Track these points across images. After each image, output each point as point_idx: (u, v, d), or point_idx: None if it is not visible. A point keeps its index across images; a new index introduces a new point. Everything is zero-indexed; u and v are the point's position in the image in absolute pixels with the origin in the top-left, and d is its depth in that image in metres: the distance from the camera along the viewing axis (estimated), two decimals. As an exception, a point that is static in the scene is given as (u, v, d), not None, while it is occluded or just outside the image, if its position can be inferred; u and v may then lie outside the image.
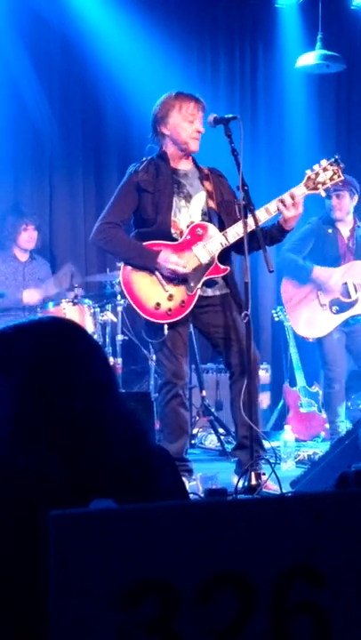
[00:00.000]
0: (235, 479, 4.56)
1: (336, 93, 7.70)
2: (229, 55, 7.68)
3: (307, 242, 6.23)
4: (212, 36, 7.61)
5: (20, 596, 1.47)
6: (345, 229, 6.29)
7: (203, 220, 4.69)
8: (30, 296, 6.23)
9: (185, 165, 4.76)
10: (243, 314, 4.41)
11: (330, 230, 6.26)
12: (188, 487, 4.43)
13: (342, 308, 6.19)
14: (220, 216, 4.70)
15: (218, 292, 4.71)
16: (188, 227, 4.66)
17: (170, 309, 4.60)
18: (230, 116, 4.53)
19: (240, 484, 4.32)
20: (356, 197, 6.21)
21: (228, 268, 4.64)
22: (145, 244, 4.63)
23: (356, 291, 6.19)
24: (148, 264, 4.59)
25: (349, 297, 6.18)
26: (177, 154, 4.72)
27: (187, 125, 4.65)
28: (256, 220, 4.44)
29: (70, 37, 7.05)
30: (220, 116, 4.57)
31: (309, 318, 6.29)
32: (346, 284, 6.19)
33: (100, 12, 7.05)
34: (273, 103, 7.67)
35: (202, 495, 4.21)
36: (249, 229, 4.42)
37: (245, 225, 4.42)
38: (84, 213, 7.28)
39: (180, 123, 4.65)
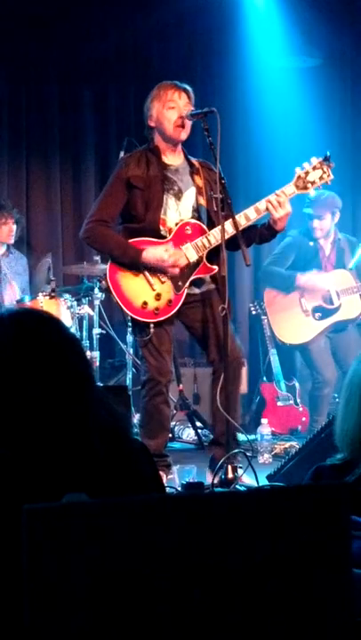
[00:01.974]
0: (209, 476, 4.56)
1: (315, 88, 7.70)
2: (207, 50, 7.66)
3: (288, 255, 6.26)
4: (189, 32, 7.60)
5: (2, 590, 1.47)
6: (326, 242, 6.33)
7: (193, 216, 4.66)
8: (9, 297, 6.24)
9: (176, 160, 4.70)
10: (220, 307, 4.41)
11: (311, 243, 6.29)
12: (165, 481, 4.44)
13: (325, 314, 6.23)
14: (210, 213, 4.66)
15: (205, 289, 4.70)
16: (177, 225, 4.61)
17: (157, 308, 4.58)
18: (207, 109, 4.50)
19: (216, 479, 4.32)
20: (337, 215, 6.26)
21: (217, 267, 4.57)
22: (132, 240, 4.59)
23: (338, 297, 6.21)
24: (134, 262, 4.55)
25: (332, 304, 6.21)
26: (166, 146, 4.66)
27: (169, 113, 4.57)
28: (233, 215, 4.44)
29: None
30: (196, 110, 4.55)
31: (292, 325, 6.32)
32: (329, 290, 6.23)
33: None
34: (250, 98, 7.65)
35: (179, 489, 4.21)
36: (230, 227, 4.42)
37: (223, 219, 4.40)
38: (61, 206, 7.25)
39: (162, 111, 4.58)
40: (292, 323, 6.32)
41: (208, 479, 4.53)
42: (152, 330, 4.57)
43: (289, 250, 6.25)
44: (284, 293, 6.33)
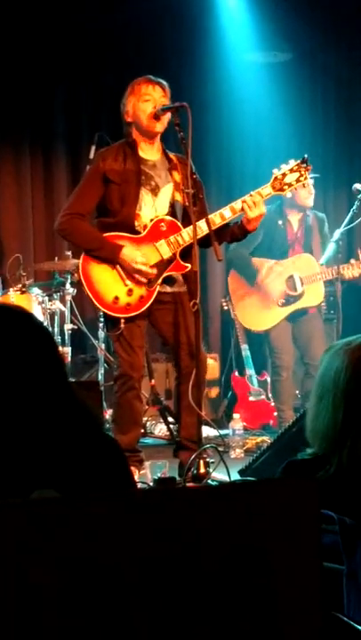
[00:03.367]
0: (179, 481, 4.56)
1: (286, 82, 7.71)
2: (178, 45, 7.65)
3: (256, 234, 6.26)
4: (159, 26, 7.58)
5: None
6: (294, 219, 6.36)
7: (168, 212, 4.65)
8: None
9: (154, 155, 4.69)
10: (191, 302, 4.41)
11: (280, 222, 6.32)
12: (137, 476, 4.43)
13: (288, 300, 6.28)
14: (186, 209, 4.64)
15: (176, 290, 4.70)
16: (151, 221, 4.61)
17: (128, 304, 4.58)
18: (178, 104, 4.50)
19: (188, 474, 4.33)
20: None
21: (190, 265, 4.56)
22: (107, 235, 4.58)
23: (302, 284, 6.25)
24: (110, 257, 4.54)
25: (295, 290, 6.25)
26: (143, 140, 4.65)
27: (144, 105, 4.58)
28: (205, 211, 4.46)
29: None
30: (167, 105, 4.55)
31: (256, 311, 6.36)
32: (292, 277, 6.25)
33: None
34: (221, 92, 7.65)
35: (151, 484, 4.21)
36: (204, 225, 4.44)
37: (195, 214, 4.41)
38: (32, 201, 7.21)
39: (137, 104, 4.60)
40: (256, 309, 6.36)
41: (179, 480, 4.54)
42: (123, 325, 4.57)
43: (258, 227, 6.27)
44: (249, 280, 6.40)
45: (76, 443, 1.67)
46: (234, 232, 4.66)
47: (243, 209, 4.54)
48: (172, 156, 4.74)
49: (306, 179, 4.70)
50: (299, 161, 4.67)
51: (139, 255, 4.53)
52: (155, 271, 4.56)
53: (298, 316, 6.31)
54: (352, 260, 6.24)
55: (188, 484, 4.24)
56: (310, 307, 6.33)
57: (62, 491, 1.22)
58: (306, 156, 4.70)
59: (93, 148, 5.66)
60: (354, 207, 6.13)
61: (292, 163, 4.67)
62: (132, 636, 1.22)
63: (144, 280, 4.55)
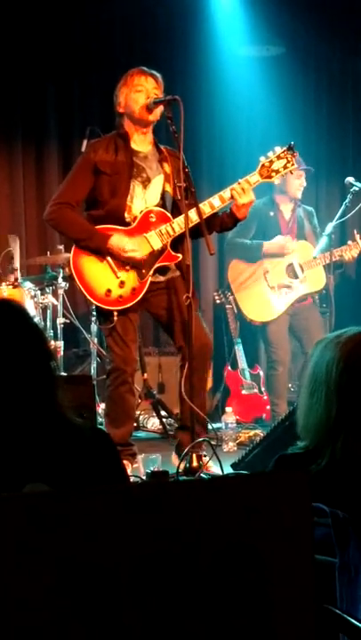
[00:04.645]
0: (175, 459, 4.59)
1: (278, 76, 7.70)
2: (170, 39, 7.64)
3: (249, 225, 6.27)
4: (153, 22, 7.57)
5: None
6: (286, 210, 6.37)
7: (158, 204, 4.65)
8: None
9: (145, 146, 4.69)
10: (184, 296, 4.42)
11: (271, 213, 6.33)
12: (130, 470, 4.44)
13: (291, 288, 6.26)
14: (176, 201, 4.65)
15: (170, 277, 4.71)
16: (141, 212, 4.61)
17: (121, 296, 4.58)
18: (170, 97, 4.50)
19: (181, 466, 4.34)
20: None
21: (181, 255, 4.58)
22: (97, 227, 4.58)
23: (302, 270, 6.26)
24: (99, 247, 4.54)
25: (297, 277, 6.25)
26: (136, 131, 4.65)
27: (136, 96, 4.58)
28: (197, 204, 4.46)
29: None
30: (159, 98, 4.55)
31: (258, 302, 6.33)
32: (292, 264, 6.26)
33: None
34: (214, 86, 7.64)
35: (144, 478, 4.21)
36: (194, 215, 4.44)
37: (187, 207, 4.41)
38: (24, 196, 7.19)
39: (130, 94, 4.60)
40: (259, 300, 6.33)
41: (174, 463, 4.56)
42: (115, 318, 4.57)
43: (250, 220, 6.25)
44: (252, 266, 6.35)
45: (67, 436, 1.67)
46: (224, 220, 4.68)
47: (232, 197, 4.55)
48: (162, 148, 4.74)
49: (293, 165, 4.72)
50: (285, 147, 4.70)
51: (127, 242, 4.52)
52: (145, 257, 4.56)
53: (296, 305, 6.31)
54: (349, 242, 6.25)
55: (181, 478, 4.25)
56: (314, 292, 6.33)
57: (54, 485, 1.22)
58: (292, 142, 4.72)
59: (85, 142, 5.64)
60: (346, 200, 6.14)
61: (279, 150, 4.70)
62: (126, 631, 1.22)
63: (131, 267, 4.54)
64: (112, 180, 4.58)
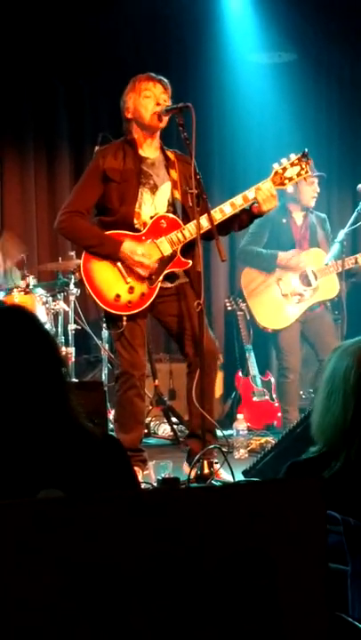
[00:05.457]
0: (186, 468, 4.57)
1: (290, 83, 7.71)
2: (182, 45, 7.65)
3: (262, 233, 6.27)
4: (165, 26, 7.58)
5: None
6: (298, 217, 6.36)
7: (168, 210, 4.65)
8: None
9: (153, 152, 4.69)
10: (195, 303, 4.42)
11: (284, 220, 6.32)
12: (141, 477, 4.43)
13: (304, 296, 6.25)
14: (185, 207, 4.65)
15: (178, 283, 4.70)
16: (151, 218, 4.61)
17: (130, 302, 4.58)
18: (182, 104, 4.49)
19: (192, 474, 4.33)
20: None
21: (190, 261, 4.57)
22: (107, 233, 4.59)
23: (316, 278, 6.24)
24: (111, 253, 4.55)
25: (310, 285, 6.24)
26: (144, 137, 4.65)
27: (145, 102, 4.58)
28: (208, 211, 4.45)
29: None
30: (171, 105, 4.55)
31: (272, 309, 6.32)
32: (305, 272, 6.25)
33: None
34: (226, 93, 7.65)
35: (155, 484, 4.20)
36: (205, 222, 4.43)
37: (198, 214, 4.41)
38: (36, 202, 7.21)
39: (139, 100, 4.59)
40: (272, 307, 6.31)
41: (185, 471, 4.54)
42: (125, 323, 4.57)
43: (263, 228, 6.26)
44: (265, 274, 6.33)
45: (79, 442, 1.66)
46: (242, 219, 4.67)
47: (256, 199, 4.53)
48: (169, 153, 4.74)
49: (307, 172, 4.69)
50: (299, 155, 4.67)
51: (139, 248, 4.53)
52: (156, 264, 4.56)
53: (309, 312, 6.29)
54: None
55: (193, 485, 4.24)
56: (327, 300, 6.31)
57: (67, 490, 1.21)
58: (306, 150, 4.69)
59: (97, 148, 5.65)
60: (358, 207, 6.12)
61: (293, 157, 4.67)
62: (135, 635, 1.21)
63: (145, 274, 4.55)
64: (120, 187, 4.58)
